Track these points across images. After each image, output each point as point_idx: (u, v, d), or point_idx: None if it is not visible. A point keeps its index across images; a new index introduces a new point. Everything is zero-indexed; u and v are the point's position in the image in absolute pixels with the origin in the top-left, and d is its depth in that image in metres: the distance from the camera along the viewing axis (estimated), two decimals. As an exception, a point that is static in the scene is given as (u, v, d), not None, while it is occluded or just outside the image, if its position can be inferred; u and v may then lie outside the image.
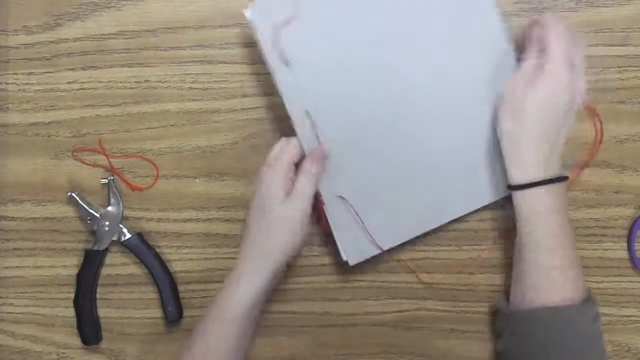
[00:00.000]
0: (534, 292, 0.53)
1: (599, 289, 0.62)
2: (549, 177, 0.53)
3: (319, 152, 0.57)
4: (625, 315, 0.62)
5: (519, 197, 0.54)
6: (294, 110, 0.57)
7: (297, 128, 0.57)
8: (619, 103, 0.62)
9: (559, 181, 0.54)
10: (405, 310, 0.62)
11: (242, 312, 0.53)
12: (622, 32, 0.62)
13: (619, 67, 0.62)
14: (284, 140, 0.57)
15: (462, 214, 0.61)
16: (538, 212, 0.53)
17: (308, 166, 0.55)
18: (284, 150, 0.56)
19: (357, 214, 0.58)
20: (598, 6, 0.62)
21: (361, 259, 0.59)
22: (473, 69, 0.59)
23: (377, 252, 0.59)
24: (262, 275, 0.53)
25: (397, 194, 0.59)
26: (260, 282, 0.53)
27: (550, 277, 0.53)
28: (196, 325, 0.55)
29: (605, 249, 0.62)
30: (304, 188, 0.54)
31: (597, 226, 0.62)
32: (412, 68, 0.59)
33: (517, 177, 0.54)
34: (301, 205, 0.54)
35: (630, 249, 0.62)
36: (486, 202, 0.60)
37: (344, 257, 0.59)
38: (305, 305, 0.63)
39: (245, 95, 0.63)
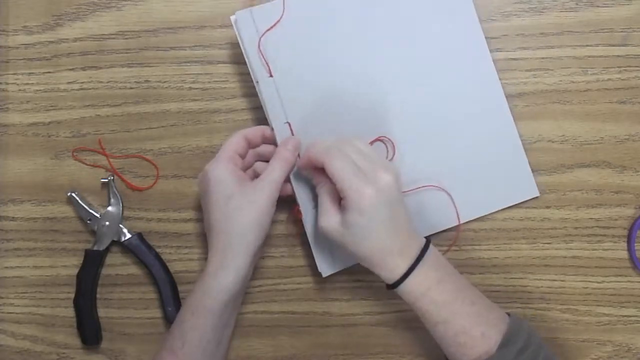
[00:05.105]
0: (451, 356, 0.53)
1: (599, 289, 0.62)
2: (409, 265, 0.51)
3: (294, 139, 0.57)
4: (625, 315, 0.62)
5: (399, 290, 0.53)
6: (275, 120, 0.58)
7: (278, 139, 0.58)
8: (619, 103, 0.62)
9: (420, 258, 0.52)
10: (405, 310, 0.62)
11: (222, 301, 0.53)
12: (622, 32, 0.62)
13: (619, 67, 0.62)
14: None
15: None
16: (420, 294, 0.52)
17: (282, 152, 0.56)
18: (228, 141, 0.56)
19: None
20: (598, 6, 0.62)
21: (334, 270, 0.60)
22: (458, 82, 0.60)
23: (351, 263, 0.60)
24: (239, 262, 0.53)
25: None
26: (238, 269, 0.53)
27: (457, 342, 0.52)
28: (174, 321, 0.55)
29: (605, 249, 0.62)
30: (273, 172, 0.54)
31: (597, 226, 0.62)
32: (396, 82, 0.60)
33: (386, 278, 0.53)
34: (268, 189, 0.54)
35: (630, 249, 0.62)
36: (465, 220, 0.61)
37: (319, 269, 0.59)
38: (305, 305, 0.63)
39: (245, 95, 0.63)
